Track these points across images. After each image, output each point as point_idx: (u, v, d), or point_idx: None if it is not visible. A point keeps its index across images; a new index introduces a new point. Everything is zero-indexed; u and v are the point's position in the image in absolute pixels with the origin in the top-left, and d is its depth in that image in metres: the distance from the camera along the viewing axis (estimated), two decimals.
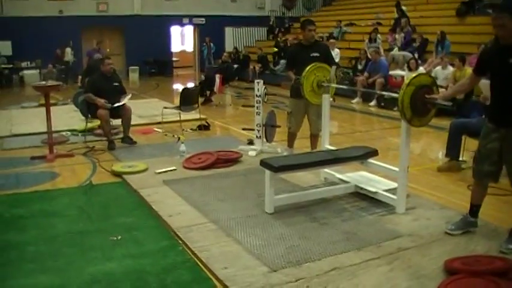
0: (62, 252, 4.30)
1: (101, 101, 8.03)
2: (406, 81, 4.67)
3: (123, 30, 21.79)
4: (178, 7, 22.78)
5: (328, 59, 6.78)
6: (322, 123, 6.44)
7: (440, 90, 5.01)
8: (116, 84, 8.51)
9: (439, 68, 11.85)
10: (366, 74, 13.75)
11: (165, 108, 9.79)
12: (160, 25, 22.14)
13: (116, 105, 8.10)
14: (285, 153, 7.07)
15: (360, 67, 14.57)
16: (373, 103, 13.05)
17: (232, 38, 24.03)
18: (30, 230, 4.80)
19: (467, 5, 15.28)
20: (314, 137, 7.13)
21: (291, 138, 7.31)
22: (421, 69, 12.15)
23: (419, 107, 4.65)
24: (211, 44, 22.75)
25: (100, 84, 8.28)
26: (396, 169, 5.10)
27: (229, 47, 23.08)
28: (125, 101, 8.29)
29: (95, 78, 8.50)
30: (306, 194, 5.49)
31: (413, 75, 4.95)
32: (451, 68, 11.44)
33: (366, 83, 13.36)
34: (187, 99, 9.75)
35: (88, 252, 4.28)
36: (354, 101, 13.54)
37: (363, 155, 5.60)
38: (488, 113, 4.61)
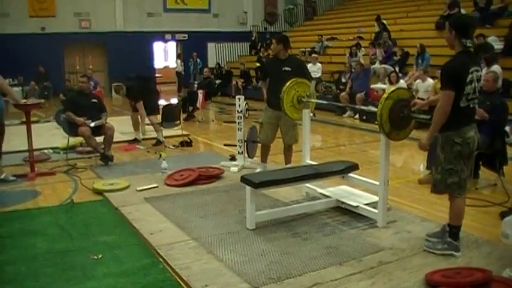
0: (42, 272, 4.25)
1: (80, 120, 8.08)
2: (385, 95, 4.70)
3: (105, 47, 21.72)
4: (160, 23, 22.83)
5: (302, 74, 6.56)
6: (295, 134, 6.68)
7: (421, 102, 5.05)
8: (94, 101, 8.55)
9: (419, 80, 11.94)
10: (349, 83, 13.98)
11: (147, 124, 9.77)
12: (142, 41, 22.10)
13: (94, 124, 8.11)
14: (257, 170, 7.07)
15: (343, 80, 14.71)
16: (356, 116, 13.19)
17: (215, 54, 24.05)
18: (9, 250, 4.75)
19: (446, 19, 15.42)
20: (287, 149, 7.09)
21: (264, 152, 7.28)
22: (402, 82, 12.27)
23: (398, 120, 4.70)
24: (198, 60, 22.62)
25: (77, 101, 8.38)
26: (377, 183, 5.13)
27: (212, 62, 23.08)
28: (103, 121, 8.29)
29: (73, 96, 8.58)
30: (288, 209, 5.48)
31: (392, 88, 5.00)
32: (430, 81, 11.54)
33: (348, 94, 13.56)
34: (168, 116, 9.75)
35: (68, 272, 4.24)
36: (346, 115, 13.64)
37: (343, 170, 5.62)
38: None
